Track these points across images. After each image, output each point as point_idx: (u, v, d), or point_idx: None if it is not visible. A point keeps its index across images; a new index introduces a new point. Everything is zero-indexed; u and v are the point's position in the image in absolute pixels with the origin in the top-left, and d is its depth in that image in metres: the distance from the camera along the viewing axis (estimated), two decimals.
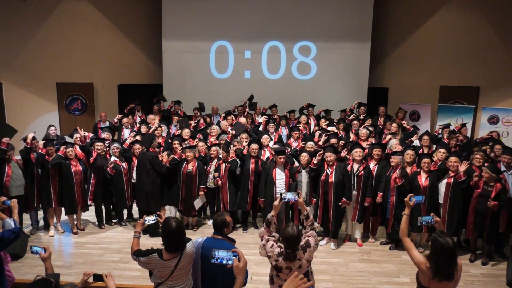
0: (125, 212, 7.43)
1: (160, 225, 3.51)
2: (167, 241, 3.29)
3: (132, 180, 6.90)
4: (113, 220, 7.25)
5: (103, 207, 7.10)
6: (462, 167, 5.87)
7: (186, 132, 7.64)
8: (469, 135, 9.24)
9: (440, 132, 8.22)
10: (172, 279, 3.32)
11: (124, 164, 6.86)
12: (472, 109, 9.95)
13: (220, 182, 6.71)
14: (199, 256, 3.47)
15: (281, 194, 3.63)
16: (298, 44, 10.64)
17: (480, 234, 5.96)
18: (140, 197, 6.69)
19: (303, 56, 10.70)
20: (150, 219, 3.64)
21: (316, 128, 7.66)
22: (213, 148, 6.95)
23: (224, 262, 2.63)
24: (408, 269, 5.72)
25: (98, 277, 3.07)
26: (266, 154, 7.19)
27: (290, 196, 3.60)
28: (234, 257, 2.62)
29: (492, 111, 9.82)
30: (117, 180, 6.79)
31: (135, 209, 7.18)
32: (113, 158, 6.79)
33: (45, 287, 2.64)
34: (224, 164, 6.79)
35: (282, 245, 3.37)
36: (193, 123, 8.62)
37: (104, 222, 7.15)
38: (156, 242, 5.64)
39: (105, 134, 7.71)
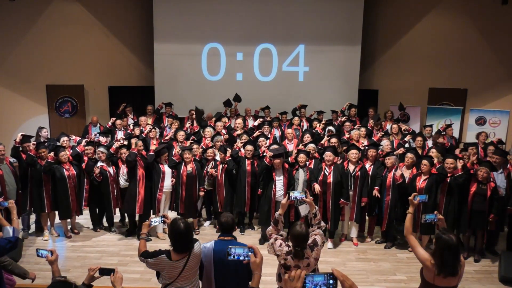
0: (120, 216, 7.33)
1: (165, 226, 3.49)
2: (176, 242, 3.28)
3: (120, 186, 6.76)
4: (105, 224, 7.14)
5: (97, 210, 6.98)
6: (459, 163, 6.02)
7: (181, 135, 7.62)
8: (456, 135, 9.47)
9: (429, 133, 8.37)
10: (180, 280, 3.32)
11: (111, 169, 6.71)
12: (460, 110, 10.17)
13: (214, 172, 6.69)
14: (211, 262, 3.45)
15: (288, 193, 3.66)
16: (289, 46, 10.70)
17: (474, 232, 6.11)
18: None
19: (294, 59, 10.76)
20: (155, 220, 3.62)
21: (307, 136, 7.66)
22: (210, 150, 6.96)
23: (241, 258, 2.65)
24: (404, 267, 5.85)
25: (104, 271, 3.04)
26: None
27: (298, 195, 3.64)
28: (250, 253, 2.65)
29: (479, 112, 10.07)
30: (104, 185, 6.64)
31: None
32: (99, 163, 6.64)
33: None
34: (221, 165, 6.79)
35: (290, 244, 3.40)
36: (187, 124, 8.60)
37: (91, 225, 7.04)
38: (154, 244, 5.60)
39: (102, 138, 7.63)
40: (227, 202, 6.82)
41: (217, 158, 6.97)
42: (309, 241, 3.42)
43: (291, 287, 1.96)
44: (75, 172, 6.58)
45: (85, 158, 6.73)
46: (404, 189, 6.05)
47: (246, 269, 3.23)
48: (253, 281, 2.65)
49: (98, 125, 9.04)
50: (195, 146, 7.16)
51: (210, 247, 3.50)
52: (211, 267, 3.46)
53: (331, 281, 1.96)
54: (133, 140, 6.78)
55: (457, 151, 7.02)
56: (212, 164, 6.86)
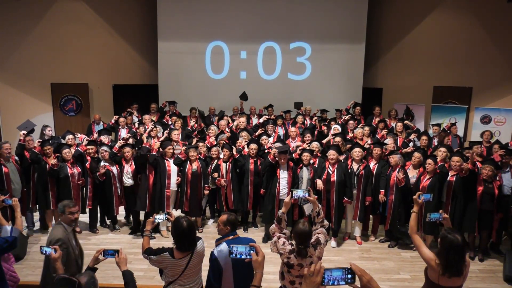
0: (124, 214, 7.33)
1: (170, 224, 3.47)
2: (179, 240, 3.26)
3: (124, 184, 6.71)
4: (108, 222, 7.12)
5: (98, 210, 6.95)
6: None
7: (175, 134, 7.51)
8: (461, 134, 9.39)
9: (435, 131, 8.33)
10: (183, 278, 3.31)
11: (115, 168, 6.66)
12: (465, 109, 10.09)
13: (223, 181, 6.67)
14: (230, 264, 3.35)
15: (292, 191, 3.66)
16: (293, 44, 10.68)
17: (479, 232, 6.03)
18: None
19: (298, 57, 10.74)
20: (159, 218, 3.63)
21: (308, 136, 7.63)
22: (214, 148, 6.94)
23: (244, 257, 2.64)
24: (408, 266, 5.82)
25: (108, 253, 3.11)
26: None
27: (301, 193, 3.63)
28: (252, 252, 2.63)
29: (484, 111, 9.97)
30: (107, 184, 6.59)
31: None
32: (102, 162, 6.58)
33: (69, 286, 2.57)
34: (225, 164, 6.77)
35: (293, 243, 3.40)
36: (191, 123, 8.59)
37: (98, 224, 7.02)
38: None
39: (104, 138, 7.63)
40: (237, 201, 6.78)
41: (221, 156, 6.93)
42: (312, 240, 3.42)
43: (311, 282, 1.95)
44: (79, 170, 6.57)
45: (88, 158, 6.70)
46: (408, 190, 6.00)
47: None
48: (255, 279, 2.64)
49: (101, 123, 9.04)
50: (200, 144, 7.14)
51: (225, 250, 3.32)
52: (230, 269, 3.38)
53: (349, 276, 1.96)
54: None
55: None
56: (216, 162, 6.83)
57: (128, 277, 3.11)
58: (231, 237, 3.45)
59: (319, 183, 6.16)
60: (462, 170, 5.80)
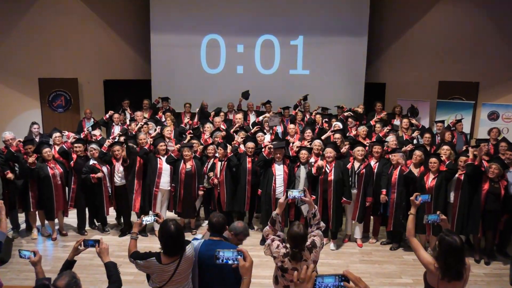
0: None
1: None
2: (166, 244, 3.16)
3: (115, 184, 6.48)
4: (97, 224, 6.92)
5: (87, 211, 6.72)
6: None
7: (168, 131, 7.35)
8: (468, 131, 9.19)
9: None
10: (171, 284, 3.19)
11: (105, 168, 6.43)
12: (472, 105, 9.85)
13: (216, 181, 6.50)
14: (196, 262, 3.34)
15: (287, 191, 3.54)
16: (292, 38, 10.46)
17: (483, 233, 5.89)
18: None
19: (298, 51, 10.51)
20: (147, 219, 3.53)
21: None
22: (210, 147, 6.74)
23: (230, 262, 2.56)
24: (410, 269, 5.68)
25: (88, 243, 3.06)
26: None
27: (296, 194, 3.50)
28: (239, 257, 2.54)
29: (492, 107, 9.75)
30: (97, 185, 6.36)
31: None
32: (91, 161, 6.33)
33: None
34: (220, 163, 6.59)
35: (288, 246, 3.28)
36: (185, 120, 8.38)
37: (87, 226, 6.77)
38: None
39: (96, 132, 7.43)
40: (230, 202, 6.61)
41: (216, 155, 6.73)
42: (308, 243, 3.31)
43: None
44: (61, 170, 6.33)
45: (74, 156, 6.46)
46: (412, 180, 5.86)
47: (232, 272, 3.09)
48: (242, 286, 2.55)
49: (92, 119, 8.84)
50: (195, 142, 6.92)
51: (196, 247, 3.38)
52: (196, 269, 3.34)
53: (342, 283, 1.92)
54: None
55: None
56: (211, 161, 6.63)
57: (111, 269, 3.04)
58: (212, 238, 3.42)
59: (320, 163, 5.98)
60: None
